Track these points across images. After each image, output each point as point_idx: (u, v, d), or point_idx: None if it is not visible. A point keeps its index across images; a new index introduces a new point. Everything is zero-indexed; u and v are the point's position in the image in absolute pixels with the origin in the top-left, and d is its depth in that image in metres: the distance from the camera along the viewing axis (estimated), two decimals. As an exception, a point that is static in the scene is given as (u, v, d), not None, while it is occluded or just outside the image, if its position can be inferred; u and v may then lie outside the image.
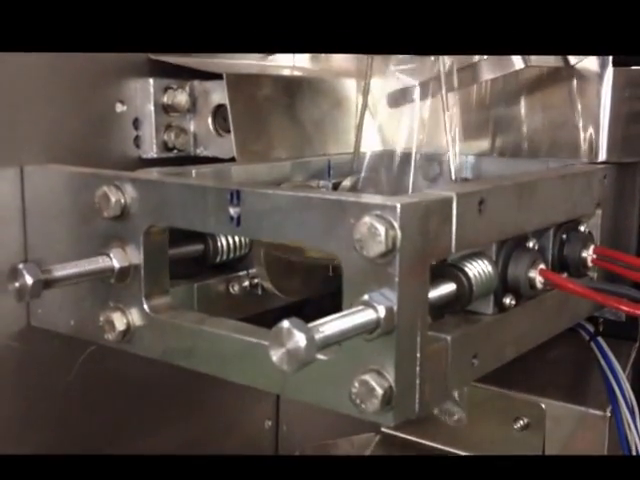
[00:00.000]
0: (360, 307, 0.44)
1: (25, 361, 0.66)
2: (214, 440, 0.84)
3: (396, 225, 0.44)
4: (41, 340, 0.66)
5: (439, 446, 0.76)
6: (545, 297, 0.59)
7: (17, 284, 0.53)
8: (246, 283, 0.70)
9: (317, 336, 0.40)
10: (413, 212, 0.45)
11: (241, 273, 0.70)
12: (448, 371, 0.50)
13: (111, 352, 0.70)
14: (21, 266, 0.53)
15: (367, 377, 0.45)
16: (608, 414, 0.68)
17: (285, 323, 0.39)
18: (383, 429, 0.80)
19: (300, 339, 0.39)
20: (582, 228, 0.64)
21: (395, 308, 0.44)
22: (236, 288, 0.69)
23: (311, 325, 0.40)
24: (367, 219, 0.44)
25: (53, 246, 0.62)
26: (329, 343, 0.41)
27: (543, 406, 0.70)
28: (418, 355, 0.46)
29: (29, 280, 0.52)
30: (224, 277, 0.68)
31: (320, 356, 0.47)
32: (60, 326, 0.63)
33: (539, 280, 0.56)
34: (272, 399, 0.90)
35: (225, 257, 0.68)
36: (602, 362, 0.71)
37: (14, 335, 0.65)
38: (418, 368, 0.46)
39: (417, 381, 0.46)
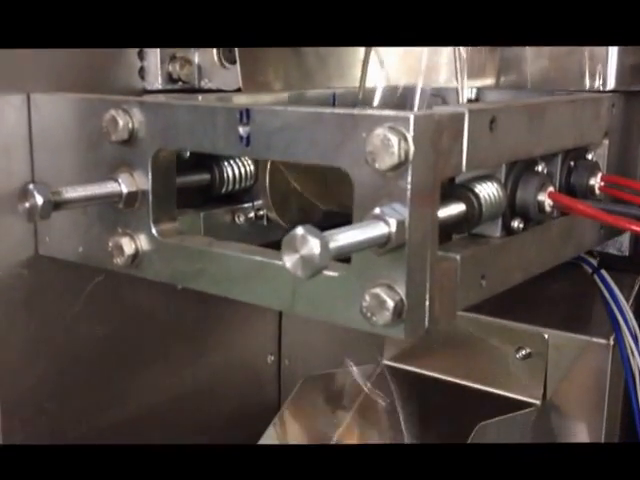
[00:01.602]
0: (371, 220, 0.44)
1: (33, 290, 0.66)
2: (216, 375, 0.85)
3: (409, 137, 0.44)
4: (49, 269, 0.66)
5: (440, 376, 0.77)
6: (552, 224, 0.60)
7: (27, 204, 0.53)
8: (251, 214, 0.70)
9: (331, 243, 0.40)
10: (426, 125, 0.45)
11: (246, 204, 0.70)
12: (457, 289, 0.50)
13: (117, 284, 0.71)
14: (31, 186, 0.53)
15: (378, 290, 0.45)
16: (611, 342, 0.68)
17: (299, 230, 0.40)
18: (384, 361, 0.81)
19: (314, 245, 0.39)
20: (590, 156, 0.64)
21: (406, 222, 0.44)
22: (241, 219, 0.69)
23: (325, 233, 0.40)
24: (380, 131, 0.44)
25: (61, 173, 0.62)
26: (342, 252, 0.41)
27: (546, 336, 0.70)
28: (428, 271, 0.47)
29: (39, 200, 0.52)
30: (230, 207, 0.69)
31: (330, 273, 0.48)
32: (68, 254, 0.64)
33: (548, 203, 0.56)
34: (274, 334, 0.91)
35: (231, 188, 0.68)
36: (605, 293, 0.71)
37: (22, 264, 0.65)
38: (428, 284, 0.47)
39: (427, 296, 0.47)
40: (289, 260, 0.40)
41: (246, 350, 0.89)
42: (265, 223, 0.70)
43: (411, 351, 0.79)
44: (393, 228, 0.44)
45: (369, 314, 0.46)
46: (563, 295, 0.77)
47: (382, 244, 0.44)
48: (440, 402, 0.78)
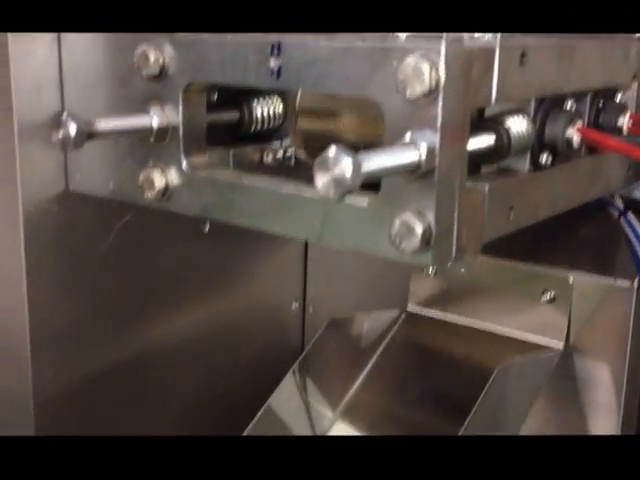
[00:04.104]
0: (402, 145, 0.44)
1: (63, 226, 0.67)
2: (241, 320, 0.86)
3: (440, 64, 0.44)
4: (79, 206, 0.67)
5: (463, 322, 0.77)
6: (580, 162, 0.60)
7: (61, 133, 0.54)
8: (279, 154, 0.70)
9: (363, 164, 0.40)
10: (457, 54, 0.45)
11: (275, 144, 0.70)
12: (485, 220, 0.50)
13: (145, 224, 0.72)
14: (65, 115, 0.54)
15: (407, 217, 0.46)
16: (635, 285, 0.68)
17: (332, 150, 0.40)
18: (409, 308, 0.82)
19: (347, 165, 0.40)
20: (618, 98, 0.64)
21: (436, 148, 0.45)
22: (270, 157, 0.70)
23: (357, 154, 0.41)
24: (411, 59, 0.44)
25: (91, 109, 0.63)
26: (373, 174, 0.42)
27: (570, 279, 0.71)
28: (457, 200, 0.47)
29: (73, 128, 0.53)
30: (259, 146, 0.69)
31: (359, 202, 0.49)
32: (99, 189, 0.64)
33: (576, 139, 0.56)
34: (299, 280, 0.92)
35: (260, 126, 0.69)
36: (631, 236, 0.71)
37: (53, 200, 0.66)
38: (456, 212, 0.47)
39: (455, 225, 0.47)
40: (321, 180, 0.41)
41: (271, 296, 0.90)
42: (293, 163, 0.71)
43: (434, 297, 0.79)
44: (423, 153, 0.44)
45: (397, 241, 0.46)
46: (589, 239, 0.77)
47: (412, 169, 0.45)
48: (463, 347, 0.79)
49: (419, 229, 0.45)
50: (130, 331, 0.75)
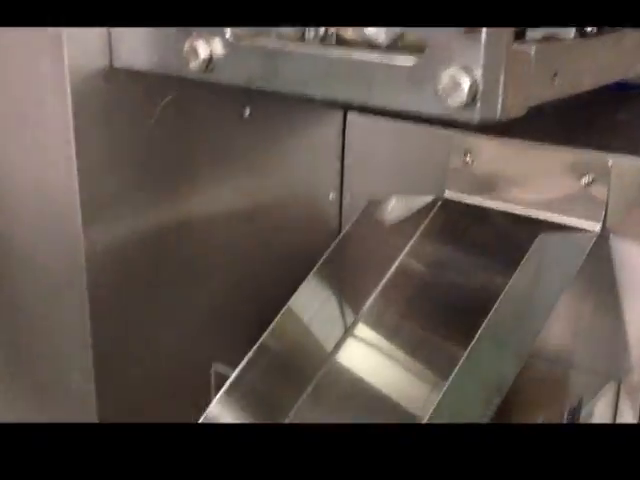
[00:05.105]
0: (451, -2, 0.45)
1: (110, 102, 0.68)
2: (279, 207, 0.88)
3: None
4: (124, 82, 0.68)
5: (500, 207, 0.78)
6: (625, 34, 0.60)
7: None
8: (322, 30, 0.70)
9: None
10: None
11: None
12: (530, 82, 0.51)
13: (188, 103, 0.73)
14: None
15: (454, 72, 0.46)
16: (675, 166, 0.69)
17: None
18: (446, 194, 0.82)
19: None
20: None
21: (485, 1, 0.45)
22: (312, 34, 0.69)
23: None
24: None
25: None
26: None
27: (609, 162, 0.71)
28: (504, 58, 0.47)
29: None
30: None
31: (405, 61, 0.49)
32: (143, 63, 0.65)
33: (624, 5, 0.55)
34: (336, 170, 0.93)
35: None
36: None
37: (99, 75, 0.67)
38: (503, 70, 0.48)
39: (501, 82, 0.48)
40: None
41: (308, 185, 0.91)
42: (334, 42, 0.70)
43: (471, 184, 0.80)
44: (472, 7, 0.44)
45: (444, 96, 0.47)
46: (627, 122, 0.77)
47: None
48: (498, 232, 0.79)
49: (466, 84, 0.46)
50: (174, 202, 0.76)
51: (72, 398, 0.76)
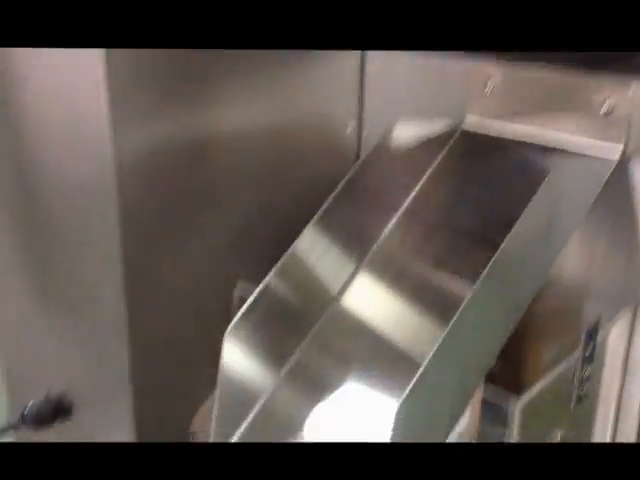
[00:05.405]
0: None
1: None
2: (296, 136, 0.88)
3: None
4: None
5: (521, 135, 0.78)
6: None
7: None
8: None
9: None
10: None
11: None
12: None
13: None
14: None
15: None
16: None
17: None
18: (467, 119, 0.82)
19: None
20: None
21: None
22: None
23: None
24: None
25: None
26: None
27: (630, 90, 0.70)
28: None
29: None
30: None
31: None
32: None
33: None
34: (354, 104, 0.92)
35: None
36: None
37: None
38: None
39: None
40: None
41: (325, 117, 0.91)
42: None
43: (491, 113, 0.79)
44: None
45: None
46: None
47: None
48: (517, 160, 0.79)
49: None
50: (200, 116, 0.77)
51: (104, 316, 0.78)
